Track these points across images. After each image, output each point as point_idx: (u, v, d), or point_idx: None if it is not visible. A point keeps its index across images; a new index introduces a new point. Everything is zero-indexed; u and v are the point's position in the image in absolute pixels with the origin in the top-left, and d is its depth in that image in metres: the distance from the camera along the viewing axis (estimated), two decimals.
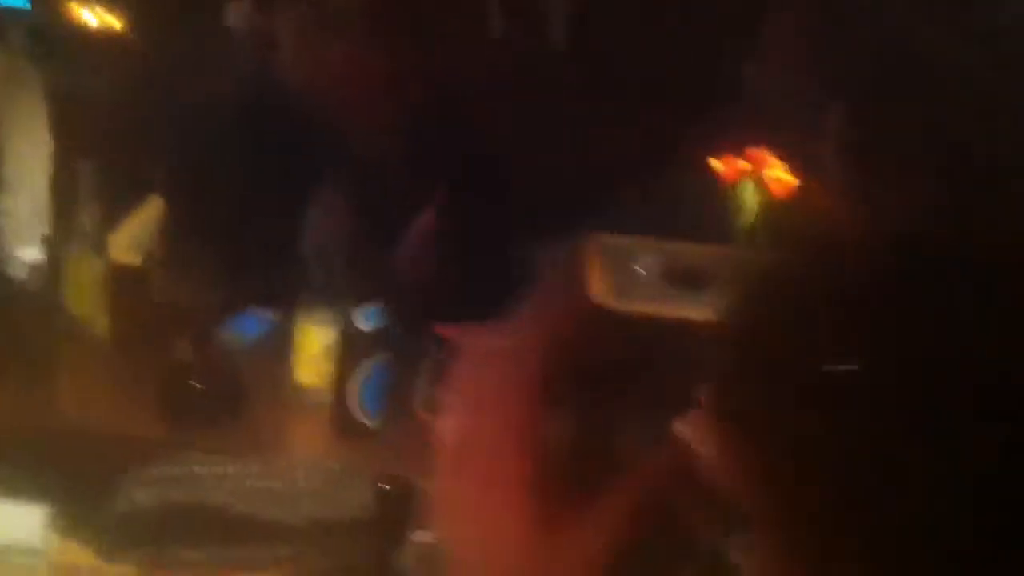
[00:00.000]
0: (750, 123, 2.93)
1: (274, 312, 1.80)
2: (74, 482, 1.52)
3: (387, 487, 1.49)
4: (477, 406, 0.79)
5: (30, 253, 1.87)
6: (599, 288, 2.73)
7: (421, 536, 1.46)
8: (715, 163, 2.79)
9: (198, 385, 1.57)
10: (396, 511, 1.45)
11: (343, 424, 1.58)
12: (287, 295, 1.69)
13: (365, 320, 1.57)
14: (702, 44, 3.25)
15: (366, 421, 1.58)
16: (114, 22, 2.09)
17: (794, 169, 2.75)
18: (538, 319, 0.82)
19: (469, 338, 0.84)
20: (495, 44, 3.21)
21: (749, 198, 2.82)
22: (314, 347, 1.62)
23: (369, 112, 2.02)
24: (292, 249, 1.71)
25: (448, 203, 2.04)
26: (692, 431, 0.71)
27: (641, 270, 2.84)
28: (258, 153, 1.87)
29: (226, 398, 1.59)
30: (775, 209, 2.81)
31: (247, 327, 1.78)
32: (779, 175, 2.76)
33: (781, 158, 2.78)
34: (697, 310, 2.72)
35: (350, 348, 1.56)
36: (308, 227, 1.64)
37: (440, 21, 2.27)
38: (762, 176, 2.78)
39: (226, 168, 1.84)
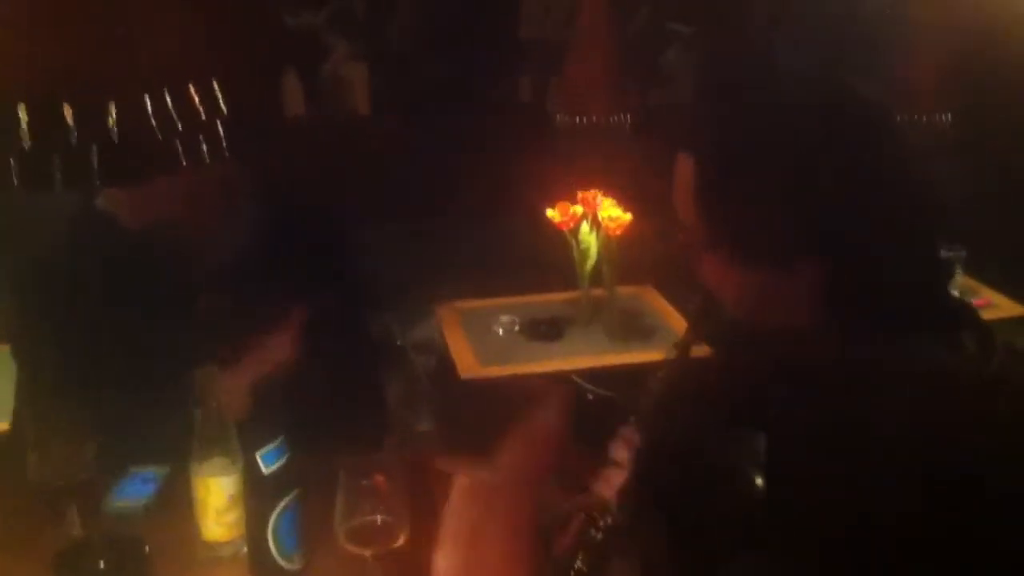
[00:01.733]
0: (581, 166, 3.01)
1: (159, 468, 1.70)
2: None
3: None
4: (477, 539, 0.81)
5: None
6: (463, 357, 2.73)
7: None
8: (550, 212, 2.84)
9: (100, 563, 1.45)
10: None
11: (265, 572, 1.50)
12: (173, 449, 1.59)
13: (267, 460, 1.49)
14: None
15: (288, 565, 1.50)
16: None
17: (627, 205, 2.84)
18: (527, 454, 0.84)
19: (464, 474, 0.85)
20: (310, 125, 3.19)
21: (587, 240, 2.88)
22: (218, 499, 1.53)
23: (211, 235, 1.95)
24: (172, 400, 1.61)
25: (309, 313, 1.99)
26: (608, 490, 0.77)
27: (499, 330, 2.86)
28: (112, 304, 1.76)
29: (132, 568, 1.48)
30: (613, 247, 2.88)
31: (135, 489, 1.67)
32: (612, 213, 2.83)
33: (613, 196, 2.85)
34: (558, 360, 2.77)
35: (258, 492, 1.48)
36: (186, 374, 1.55)
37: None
38: (596, 217, 2.85)
39: (81, 323, 1.73)
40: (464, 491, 0.85)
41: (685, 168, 1.29)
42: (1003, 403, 0.61)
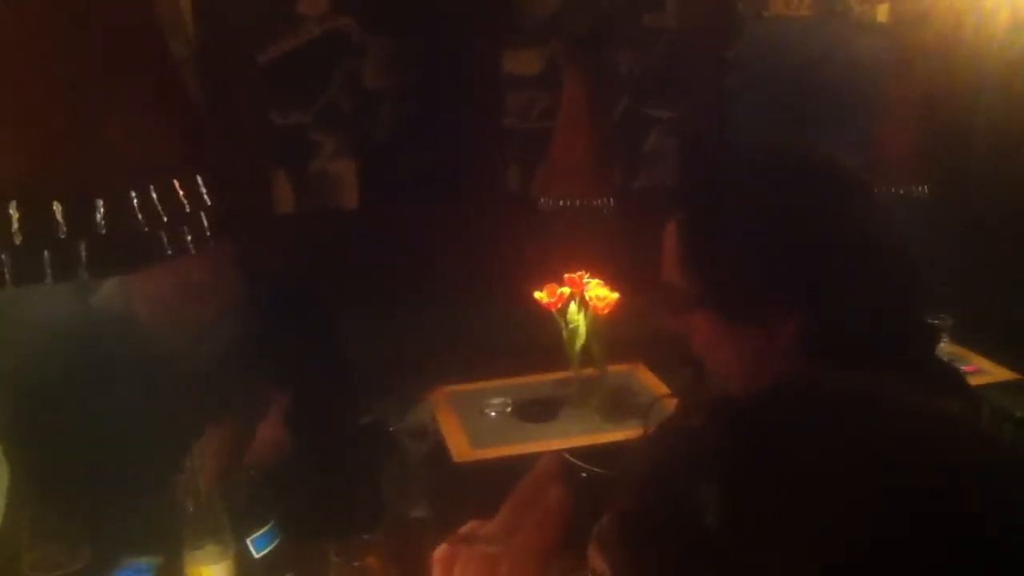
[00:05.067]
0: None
1: (152, 558, 1.70)
2: None
3: None
4: None
5: None
6: (456, 440, 2.74)
7: None
8: (538, 293, 2.88)
9: None
10: None
11: None
12: (165, 539, 1.60)
13: (259, 545, 1.51)
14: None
15: None
16: None
17: (614, 284, 2.88)
18: (529, 525, 0.82)
19: (467, 545, 0.83)
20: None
21: (575, 319, 2.92)
22: None
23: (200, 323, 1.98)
24: (159, 489, 1.63)
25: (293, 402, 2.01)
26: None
27: (491, 413, 2.88)
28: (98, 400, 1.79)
29: None
30: (602, 326, 2.91)
31: None
32: (599, 293, 2.88)
33: (600, 276, 2.90)
34: (552, 441, 2.78)
35: None
36: (177, 464, 1.57)
37: None
38: (584, 297, 2.89)
39: (72, 417, 1.75)
40: (444, 559, 0.84)
41: (671, 236, 1.34)
42: (993, 460, 0.63)
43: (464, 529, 0.84)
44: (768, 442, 0.63)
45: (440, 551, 0.83)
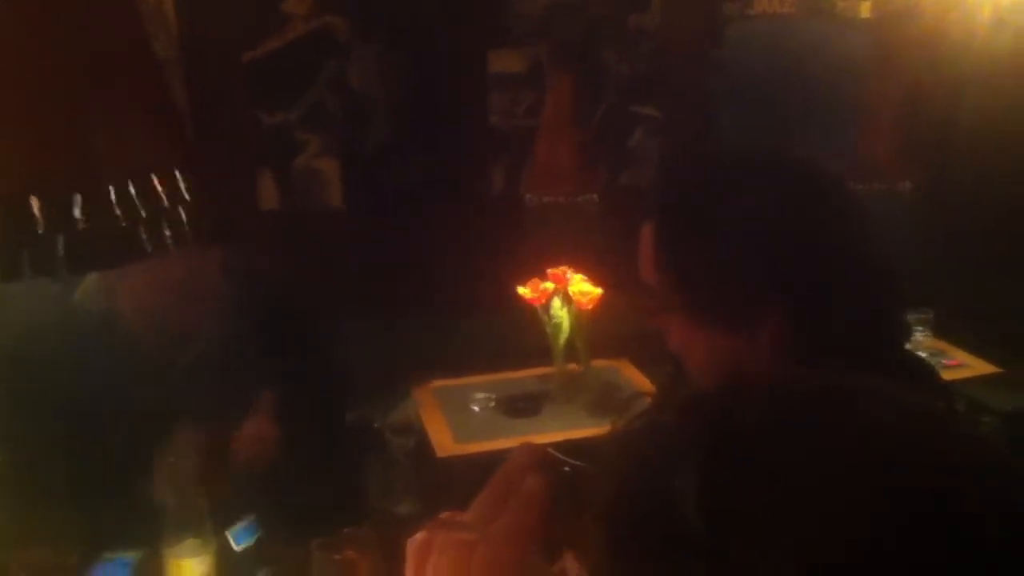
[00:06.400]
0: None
1: (133, 552, 1.71)
2: None
3: None
4: None
5: None
6: (440, 436, 2.75)
7: None
8: (521, 289, 2.89)
9: None
10: None
11: None
12: (145, 533, 1.61)
13: (239, 538, 1.52)
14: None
15: None
16: None
17: (597, 280, 2.90)
18: (506, 512, 0.82)
19: (442, 532, 0.83)
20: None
21: (559, 315, 2.93)
22: None
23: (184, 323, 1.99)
24: (140, 484, 1.64)
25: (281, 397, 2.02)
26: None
27: (476, 408, 2.89)
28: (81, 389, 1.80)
29: None
30: (585, 321, 2.93)
31: (109, 574, 1.68)
32: (582, 288, 2.89)
33: (584, 272, 2.92)
34: (536, 435, 2.79)
35: (231, 571, 1.50)
36: (158, 458, 1.58)
37: None
38: (567, 292, 2.91)
39: (53, 414, 1.75)
40: (419, 547, 0.84)
41: (648, 236, 1.36)
42: (974, 453, 0.63)
43: (439, 518, 0.84)
44: (740, 436, 0.64)
45: (415, 539, 0.83)
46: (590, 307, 2.90)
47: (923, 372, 1.38)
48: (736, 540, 0.59)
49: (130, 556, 1.75)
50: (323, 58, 3.27)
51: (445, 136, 3.40)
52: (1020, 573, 0.56)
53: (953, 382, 2.87)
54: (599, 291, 2.90)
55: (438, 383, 3.08)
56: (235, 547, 1.51)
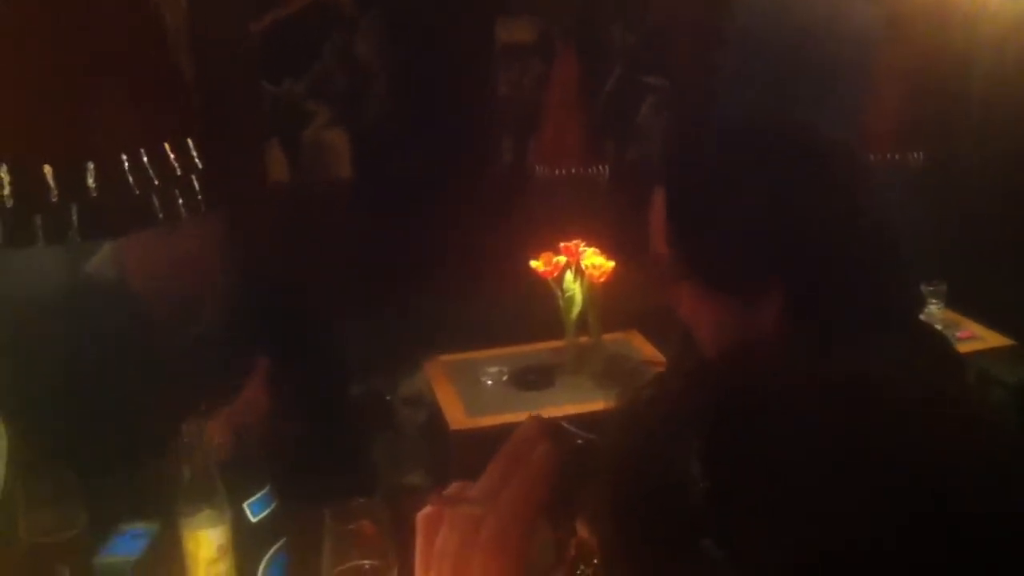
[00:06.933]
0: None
1: (149, 523, 1.72)
2: None
3: None
4: (458, 571, 0.79)
5: None
6: (452, 408, 2.75)
7: None
8: (534, 262, 2.88)
9: None
10: None
11: None
12: (161, 503, 1.61)
13: (255, 509, 1.52)
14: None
15: None
16: None
17: (609, 253, 2.88)
18: (514, 485, 0.82)
19: (451, 506, 0.82)
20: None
21: (571, 288, 2.92)
22: (207, 551, 1.54)
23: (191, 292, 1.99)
24: (156, 456, 1.64)
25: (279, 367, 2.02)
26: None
27: (488, 381, 2.89)
28: (95, 364, 1.80)
29: None
30: (597, 294, 2.92)
31: (126, 546, 1.68)
32: (595, 261, 2.88)
33: (596, 245, 2.90)
34: (547, 408, 2.79)
35: (246, 542, 1.50)
36: (172, 429, 1.58)
37: None
38: (580, 265, 2.90)
39: (68, 383, 1.76)
40: (428, 520, 0.83)
41: (659, 204, 1.35)
42: (978, 428, 0.63)
43: (448, 490, 0.83)
44: (743, 406, 0.63)
45: (424, 513, 0.82)
46: (602, 280, 2.89)
47: (936, 343, 1.37)
48: (740, 512, 0.58)
49: (147, 527, 1.75)
50: (329, 27, 3.25)
51: (454, 107, 3.38)
52: (1020, 573, 0.55)
53: (966, 354, 2.85)
54: (611, 264, 2.89)
55: (449, 357, 3.07)
56: (251, 518, 1.51)
